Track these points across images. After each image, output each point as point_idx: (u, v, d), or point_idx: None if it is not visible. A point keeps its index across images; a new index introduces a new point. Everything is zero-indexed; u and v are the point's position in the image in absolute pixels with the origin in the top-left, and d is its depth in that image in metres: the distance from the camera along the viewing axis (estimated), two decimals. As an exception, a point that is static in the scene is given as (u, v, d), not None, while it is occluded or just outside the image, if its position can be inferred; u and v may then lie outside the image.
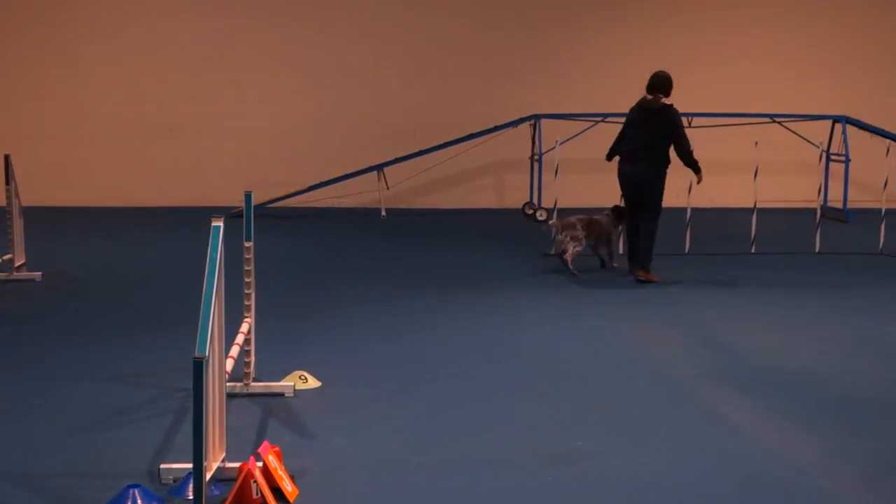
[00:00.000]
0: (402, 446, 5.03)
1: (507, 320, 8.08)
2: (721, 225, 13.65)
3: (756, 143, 11.71)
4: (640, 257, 9.81)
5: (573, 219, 10.09)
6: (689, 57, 15.89)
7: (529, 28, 15.79)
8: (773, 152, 14.37)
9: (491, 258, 11.06)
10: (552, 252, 10.56)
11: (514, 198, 15.42)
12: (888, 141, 13.15)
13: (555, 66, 15.80)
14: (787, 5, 16.33)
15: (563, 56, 15.85)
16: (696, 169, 9.78)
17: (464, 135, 14.49)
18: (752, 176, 11.50)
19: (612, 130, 13.95)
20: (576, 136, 13.84)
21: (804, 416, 5.68)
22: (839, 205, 14.57)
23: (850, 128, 14.65)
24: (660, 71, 9.82)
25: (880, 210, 11.74)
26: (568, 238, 9.95)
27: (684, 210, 11.33)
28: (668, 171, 9.75)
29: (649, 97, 9.72)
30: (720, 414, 5.71)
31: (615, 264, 10.36)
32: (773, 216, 13.80)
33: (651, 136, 9.64)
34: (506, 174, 15.83)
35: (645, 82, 9.87)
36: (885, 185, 11.66)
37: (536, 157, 14.33)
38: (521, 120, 14.54)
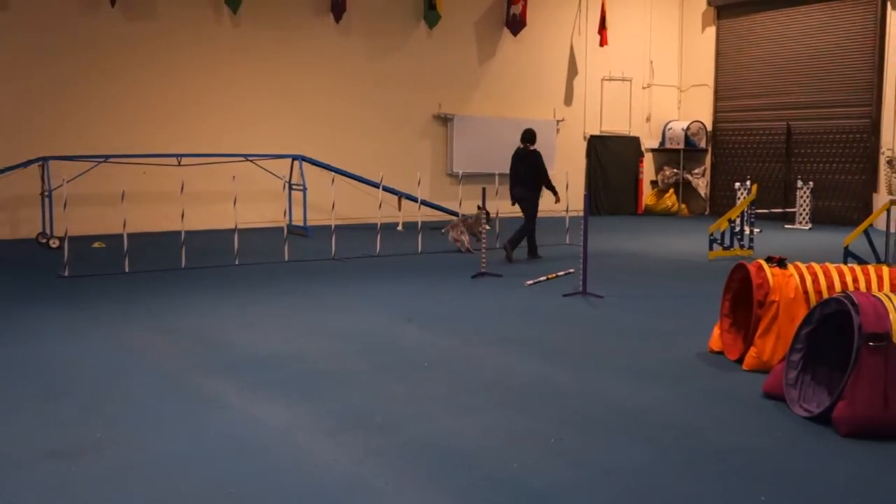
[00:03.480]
0: None
1: (16, 336, 7.88)
2: (211, 243, 14.52)
3: (234, 177, 13.00)
4: (512, 240, 13.26)
5: (457, 220, 14.19)
6: (180, 108, 16.85)
7: (37, 69, 15.72)
8: (249, 184, 15.84)
9: (4, 283, 10.85)
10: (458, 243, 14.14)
11: (28, 229, 15.35)
12: (333, 174, 15.13)
13: (63, 108, 15.92)
14: (259, 67, 17.79)
15: (71, 99, 16.01)
16: (555, 191, 13.18)
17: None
18: (233, 203, 12.79)
19: (114, 170, 14.58)
20: (81, 174, 14.19)
21: (277, 391, 6.14)
22: (301, 223, 16.15)
23: (305, 164, 16.37)
24: (529, 128, 13.37)
25: (331, 226, 13.45)
26: (459, 232, 13.96)
27: (180, 233, 12.16)
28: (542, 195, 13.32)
29: (522, 146, 13.25)
30: (213, 397, 6.01)
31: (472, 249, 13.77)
32: (250, 234, 15.08)
33: (525, 170, 13.11)
34: (19, 208, 15.65)
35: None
36: (333, 206, 13.44)
37: (47, 194, 14.38)
38: (31, 161, 14.49)
